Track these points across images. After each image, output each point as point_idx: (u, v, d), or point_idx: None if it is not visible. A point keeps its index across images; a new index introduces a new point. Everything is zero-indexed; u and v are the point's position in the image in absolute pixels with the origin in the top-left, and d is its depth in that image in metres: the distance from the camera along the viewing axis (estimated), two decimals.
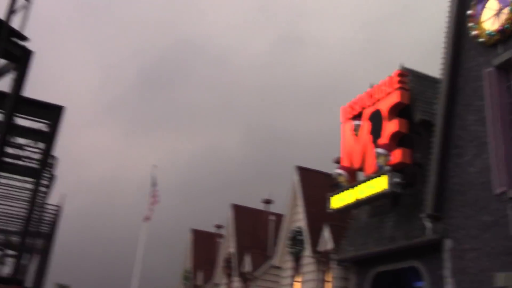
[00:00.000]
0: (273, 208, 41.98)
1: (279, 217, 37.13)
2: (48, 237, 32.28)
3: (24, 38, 13.08)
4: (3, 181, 23.99)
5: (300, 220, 30.31)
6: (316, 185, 30.12)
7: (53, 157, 20.74)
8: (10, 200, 29.29)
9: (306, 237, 29.14)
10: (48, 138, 16.98)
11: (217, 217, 47.36)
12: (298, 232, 29.96)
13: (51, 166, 21.53)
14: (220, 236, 45.51)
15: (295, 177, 31.80)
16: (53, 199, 27.80)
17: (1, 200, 28.57)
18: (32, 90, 13.89)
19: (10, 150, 19.43)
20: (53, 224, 32.30)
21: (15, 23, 12.80)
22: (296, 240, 29.92)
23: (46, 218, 31.22)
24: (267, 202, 43.33)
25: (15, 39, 12.96)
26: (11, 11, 12.47)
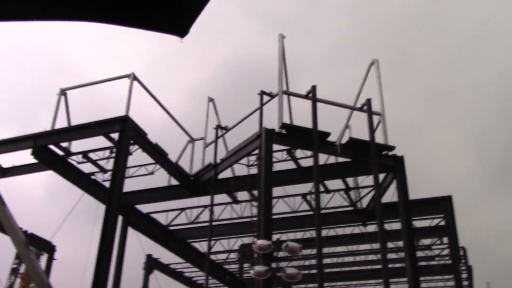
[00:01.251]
0: None
1: None
2: None
3: (391, 148, 13.97)
4: (424, 285, 24.49)
5: None
6: None
7: (462, 248, 20.31)
8: None
9: None
10: (448, 230, 16.81)
11: None
12: None
13: (463, 257, 21.02)
14: None
15: None
16: None
17: None
18: (413, 189, 14.32)
19: (420, 254, 20.00)
20: None
21: (379, 138, 13.87)
22: None
23: None
24: None
25: (385, 152, 13.95)
26: (372, 130, 13.61)
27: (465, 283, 21.96)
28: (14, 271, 26.53)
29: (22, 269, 26.48)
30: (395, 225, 17.59)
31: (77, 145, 15.90)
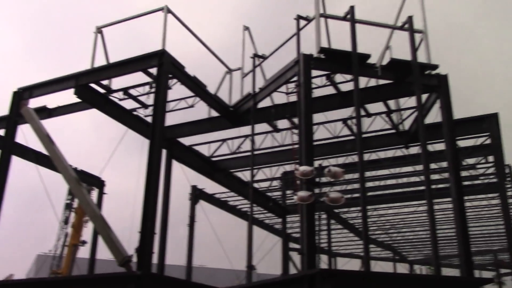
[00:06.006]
0: None
1: None
2: None
3: (434, 67, 13.53)
4: (468, 204, 24.47)
5: None
6: None
7: (508, 166, 19.97)
8: (483, 220, 29.53)
9: None
10: (495, 148, 16.50)
11: None
12: None
13: (508, 175, 20.72)
14: None
15: None
16: None
17: (474, 222, 29.07)
18: (457, 109, 13.95)
19: (464, 173, 19.82)
20: None
21: (421, 57, 13.42)
22: None
23: None
24: None
25: (428, 72, 13.55)
26: (414, 49, 13.16)
27: (510, 200, 21.79)
28: (68, 206, 27.93)
29: (76, 204, 27.86)
30: (439, 146, 17.41)
31: (117, 83, 16.11)
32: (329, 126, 17.67)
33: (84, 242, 26.39)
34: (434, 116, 14.42)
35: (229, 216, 26.24)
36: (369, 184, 22.95)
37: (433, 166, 19.21)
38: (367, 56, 13.15)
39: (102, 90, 15.89)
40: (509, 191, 20.98)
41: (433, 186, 18.50)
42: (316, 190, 12.25)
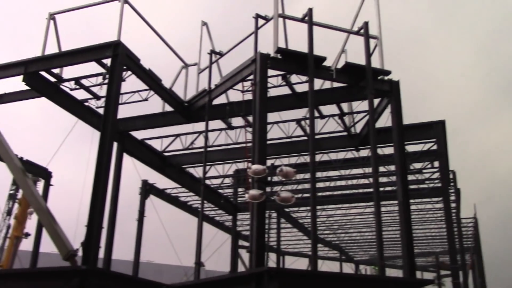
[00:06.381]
0: None
1: None
2: (475, 250, 31.83)
3: (387, 73, 13.86)
4: (414, 207, 25.25)
5: None
6: None
7: (452, 171, 20.74)
8: (427, 223, 30.54)
9: None
10: (440, 154, 17.09)
11: None
12: None
13: (452, 180, 21.51)
14: None
15: None
16: (465, 212, 27.55)
17: (419, 224, 30.03)
18: (407, 114, 14.35)
19: (411, 177, 20.43)
20: (475, 237, 31.77)
21: (374, 62, 13.73)
22: None
23: (466, 233, 31.02)
24: None
25: (380, 77, 13.87)
26: (368, 54, 13.44)
27: (453, 205, 22.61)
28: (12, 197, 26.97)
29: (20, 194, 26.97)
30: (388, 150, 17.87)
31: (69, 73, 15.67)
32: (282, 126, 17.82)
33: (27, 235, 25.58)
34: (385, 120, 14.81)
35: (179, 212, 26.06)
36: (320, 185, 23.29)
37: (382, 169, 19.69)
38: (323, 58, 13.33)
39: (52, 79, 15.43)
40: (452, 196, 21.74)
41: (381, 189, 18.94)
42: (268, 189, 12.31)
